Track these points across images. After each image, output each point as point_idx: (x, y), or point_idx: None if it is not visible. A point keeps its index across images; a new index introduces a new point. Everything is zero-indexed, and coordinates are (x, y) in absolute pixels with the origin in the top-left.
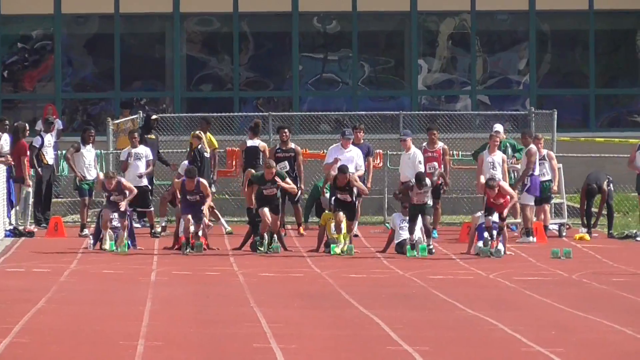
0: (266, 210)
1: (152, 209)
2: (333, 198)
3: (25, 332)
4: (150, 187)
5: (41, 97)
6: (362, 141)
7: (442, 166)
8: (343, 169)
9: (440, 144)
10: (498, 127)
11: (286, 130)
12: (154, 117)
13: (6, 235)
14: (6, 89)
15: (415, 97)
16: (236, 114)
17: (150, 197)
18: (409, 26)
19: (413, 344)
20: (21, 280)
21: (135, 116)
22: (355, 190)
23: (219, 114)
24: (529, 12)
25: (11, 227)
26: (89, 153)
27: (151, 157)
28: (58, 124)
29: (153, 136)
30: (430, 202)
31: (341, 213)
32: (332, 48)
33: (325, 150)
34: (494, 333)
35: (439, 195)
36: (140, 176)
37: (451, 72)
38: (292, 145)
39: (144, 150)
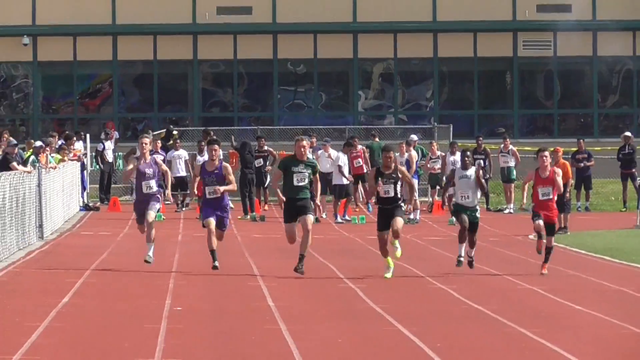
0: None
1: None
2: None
3: (94, 275)
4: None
5: (104, 117)
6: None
7: (364, 162)
8: (388, 148)
9: (360, 146)
10: (414, 136)
11: (263, 139)
12: (175, 131)
13: (80, 210)
14: (81, 110)
15: (357, 116)
16: (235, 127)
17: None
18: (352, 68)
19: (355, 283)
20: (90, 240)
21: (164, 130)
22: (399, 184)
23: (224, 128)
24: (433, 59)
25: (84, 204)
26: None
27: (187, 157)
28: (116, 135)
29: (171, 142)
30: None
31: (387, 232)
32: (300, 83)
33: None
34: (409, 275)
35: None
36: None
37: (381, 99)
38: (265, 147)
39: (183, 153)
